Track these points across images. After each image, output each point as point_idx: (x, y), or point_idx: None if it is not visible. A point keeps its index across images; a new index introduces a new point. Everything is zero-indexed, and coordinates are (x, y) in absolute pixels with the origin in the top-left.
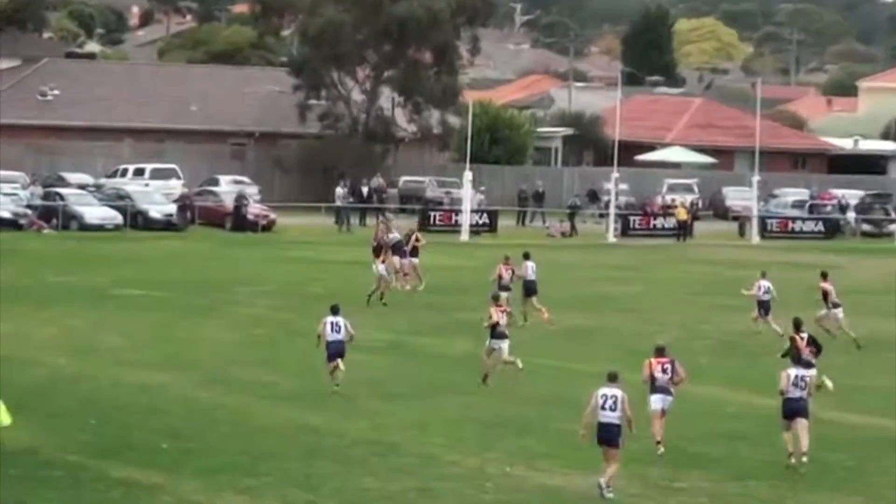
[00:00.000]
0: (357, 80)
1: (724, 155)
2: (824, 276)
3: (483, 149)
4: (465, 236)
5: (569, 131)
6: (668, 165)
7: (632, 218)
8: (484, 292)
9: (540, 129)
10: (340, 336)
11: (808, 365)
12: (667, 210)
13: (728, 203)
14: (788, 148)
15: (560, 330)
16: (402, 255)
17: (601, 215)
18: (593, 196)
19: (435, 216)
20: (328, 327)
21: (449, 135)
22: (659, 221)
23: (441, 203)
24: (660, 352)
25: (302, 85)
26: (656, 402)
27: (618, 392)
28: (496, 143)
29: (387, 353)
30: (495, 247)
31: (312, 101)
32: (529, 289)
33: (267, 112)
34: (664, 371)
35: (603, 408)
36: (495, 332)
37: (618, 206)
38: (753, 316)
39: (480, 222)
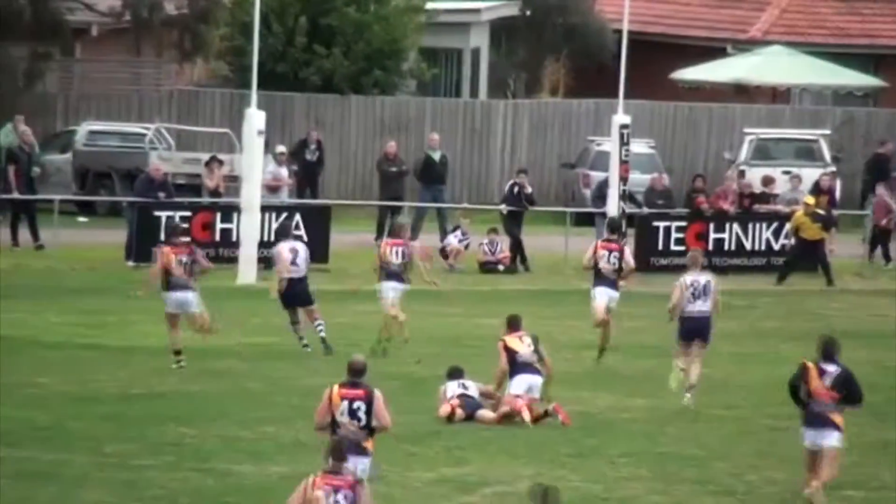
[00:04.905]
0: None
1: None
2: None
3: (293, 54)
4: (247, 276)
5: (508, 9)
6: (761, 94)
7: (662, 228)
8: None
9: (437, 7)
10: None
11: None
12: (750, 206)
13: None
14: None
15: None
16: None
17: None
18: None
19: (161, 220)
20: None
21: (203, 18)
22: (730, 234)
23: (193, 187)
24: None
25: None
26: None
27: None
28: (326, 38)
29: None
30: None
31: None
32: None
33: None
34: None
35: None
36: None
37: (631, 196)
38: None
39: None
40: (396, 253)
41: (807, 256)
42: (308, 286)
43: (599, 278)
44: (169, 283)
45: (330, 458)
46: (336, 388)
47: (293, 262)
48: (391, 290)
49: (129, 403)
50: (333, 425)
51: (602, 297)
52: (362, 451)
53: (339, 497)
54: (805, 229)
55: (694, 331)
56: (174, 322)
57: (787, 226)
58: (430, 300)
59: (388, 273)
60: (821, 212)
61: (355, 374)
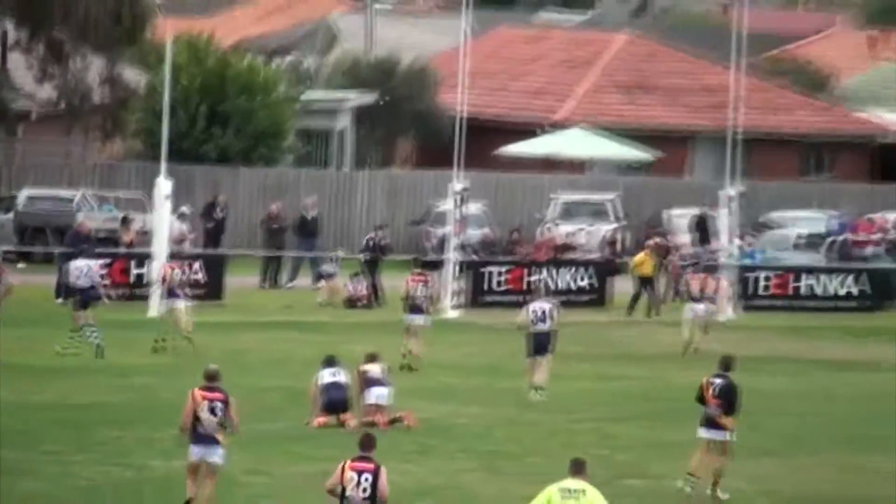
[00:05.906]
0: None
1: (668, 145)
2: None
3: (194, 134)
4: (156, 311)
5: (367, 98)
6: (564, 165)
7: (489, 272)
8: None
9: (310, 97)
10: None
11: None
12: (559, 254)
13: (673, 237)
14: (794, 132)
15: None
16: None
17: (428, 264)
18: (418, 224)
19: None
20: None
21: (123, 105)
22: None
23: (112, 240)
24: None
25: None
26: None
27: None
28: (221, 121)
29: None
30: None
31: None
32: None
33: None
34: None
35: None
36: None
37: (465, 247)
38: None
39: (198, 277)
40: (177, 274)
41: (644, 287)
42: (98, 293)
43: (412, 306)
44: None
45: (358, 448)
46: (197, 390)
47: (85, 275)
48: (174, 303)
49: (66, 411)
50: (196, 420)
51: (416, 320)
52: (217, 442)
53: (363, 478)
54: (646, 267)
55: (539, 345)
56: None
57: (630, 264)
58: (306, 330)
59: (170, 291)
60: (658, 253)
61: (210, 378)
